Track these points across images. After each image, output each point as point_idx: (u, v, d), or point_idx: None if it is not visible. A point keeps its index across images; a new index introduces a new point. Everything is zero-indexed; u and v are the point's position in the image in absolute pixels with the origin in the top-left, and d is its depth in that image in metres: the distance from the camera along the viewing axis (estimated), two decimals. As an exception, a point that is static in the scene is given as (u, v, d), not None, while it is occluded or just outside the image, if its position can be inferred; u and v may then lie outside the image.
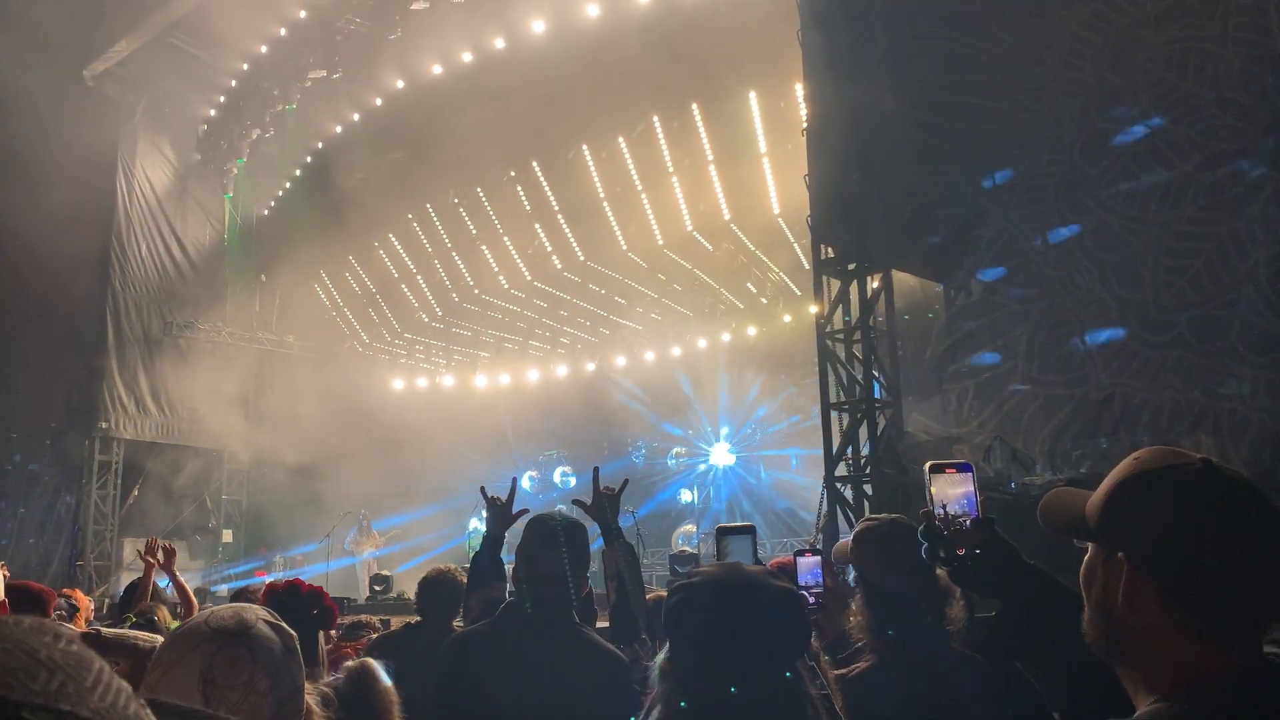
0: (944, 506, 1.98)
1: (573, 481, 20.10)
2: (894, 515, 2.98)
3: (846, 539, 3.12)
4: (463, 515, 18.17)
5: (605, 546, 3.36)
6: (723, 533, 2.69)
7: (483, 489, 3.76)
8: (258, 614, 1.72)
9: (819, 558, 2.87)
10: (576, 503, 3.66)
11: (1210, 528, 1.27)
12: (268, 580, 16.56)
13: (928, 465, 2.03)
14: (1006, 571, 1.92)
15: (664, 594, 4.39)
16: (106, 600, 14.50)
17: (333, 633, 5.06)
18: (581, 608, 3.13)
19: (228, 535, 21.34)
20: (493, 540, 3.63)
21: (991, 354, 9.57)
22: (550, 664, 2.81)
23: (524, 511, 3.76)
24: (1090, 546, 1.43)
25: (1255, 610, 1.27)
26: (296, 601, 2.93)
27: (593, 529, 3.22)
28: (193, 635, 1.66)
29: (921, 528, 1.97)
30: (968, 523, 1.94)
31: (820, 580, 2.88)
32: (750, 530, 2.70)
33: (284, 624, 1.75)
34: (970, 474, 2.01)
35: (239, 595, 5.57)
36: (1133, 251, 8.59)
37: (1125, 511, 1.36)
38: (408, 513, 19.78)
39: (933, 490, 2.00)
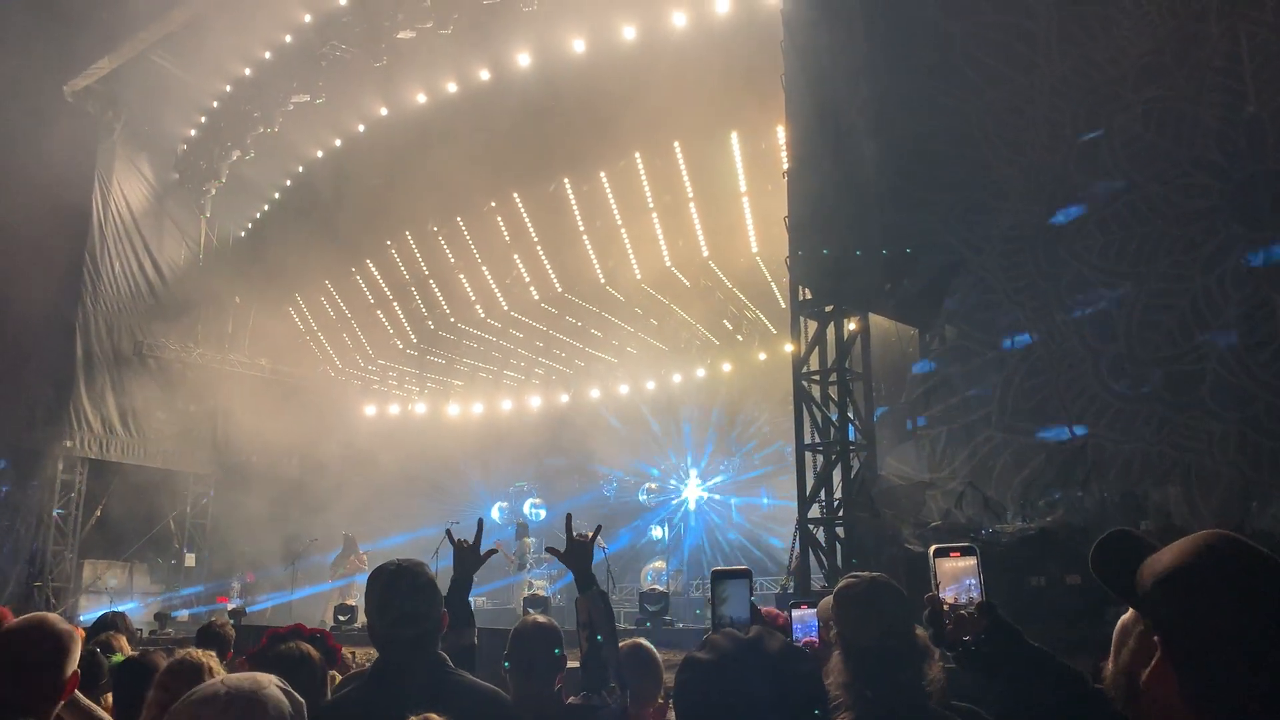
0: (937, 589, 1.98)
1: (542, 514, 19.92)
2: (874, 574, 2.96)
3: (829, 597, 3.10)
4: (431, 545, 17.96)
5: (579, 594, 3.31)
6: (718, 577, 2.66)
7: (448, 531, 3.68)
8: (271, 679, 1.81)
9: (814, 610, 2.83)
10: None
11: (1261, 659, 1.25)
12: (230, 607, 16.34)
13: (932, 549, 2.04)
14: (1010, 656, 1.94)
15: (641, 641, 4.33)
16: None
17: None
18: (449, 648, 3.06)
19: (190, 559, 20.97)
20: (460, 584, 3.55)
21: (965, 400, 9.63)
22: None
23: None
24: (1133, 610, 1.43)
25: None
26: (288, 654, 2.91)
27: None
28: (212, 700, 1.72)
29: (926, 613, 1.97)
30: (974, 609, 1.94)
31: (815, 633, 2.84)
32: (746, 574, 2.67)
33: (294, 692, 1.82)
34: (974, 557, 2.02)
35: (205, 630, 5.43)
36: (1108, 305, 8.69)
37: (1176, 608, 1.34)
38: (376, 541, 19.53)
39: (937, 574, 2.00)
